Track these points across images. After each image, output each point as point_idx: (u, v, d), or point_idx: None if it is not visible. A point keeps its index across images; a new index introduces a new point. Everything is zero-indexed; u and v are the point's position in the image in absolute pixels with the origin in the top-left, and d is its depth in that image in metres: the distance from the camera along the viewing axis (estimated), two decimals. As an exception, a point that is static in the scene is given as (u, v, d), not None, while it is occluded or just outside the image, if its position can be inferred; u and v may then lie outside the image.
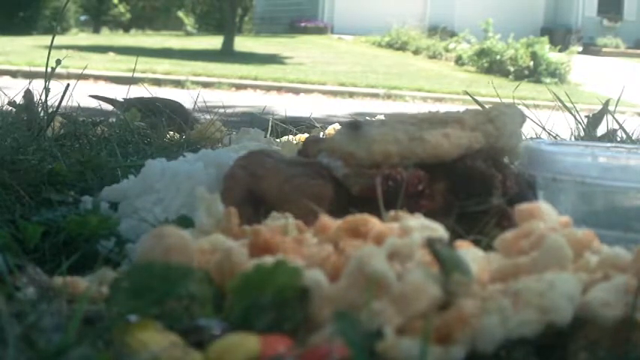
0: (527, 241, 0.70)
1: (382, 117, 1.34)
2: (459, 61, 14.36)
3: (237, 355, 0.56)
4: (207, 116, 2.00)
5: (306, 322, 0.60)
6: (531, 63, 13.23)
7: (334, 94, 9.87)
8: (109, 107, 2.07)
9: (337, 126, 1.84)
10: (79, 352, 0.54)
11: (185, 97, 2.15)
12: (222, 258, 0.66)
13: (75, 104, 1.86)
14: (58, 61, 1.66)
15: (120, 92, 2.08)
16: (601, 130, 1.69)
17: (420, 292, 0.58)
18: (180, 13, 26.02)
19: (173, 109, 1.91)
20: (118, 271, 0.71)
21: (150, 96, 2.04)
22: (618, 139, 1.67)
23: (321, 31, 17.84)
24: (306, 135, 1.76)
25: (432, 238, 0.63)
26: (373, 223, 0.70)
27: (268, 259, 0.63)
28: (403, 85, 10.60)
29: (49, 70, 1.65)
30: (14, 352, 0.55)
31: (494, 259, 0.69)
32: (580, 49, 16.45)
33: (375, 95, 10.01)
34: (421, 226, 0.68)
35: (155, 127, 1.83)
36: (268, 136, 1.80)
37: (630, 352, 0.60)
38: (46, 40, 12.75)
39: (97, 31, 24.35)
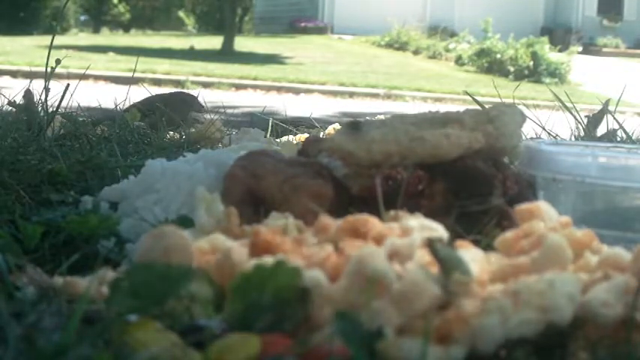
0: (527, 241, 0.70)
1: (382, 117, 1.34)
2: (458, 61, 14.36)
3: (237, 355, 0.56)
4: (208, 116, 2.00)
5: (306, 322, 0.60)
6: (531, 63, 13.23)
7: (334, 94, 9.87)
8: (109, 107, 2.07)
9: (337, 126, 1.84)
10: (79, 352, 0.54)
11: (185, 97, 2.15)
12: (222, 258, 0.66)
13: (75, 104, 1.86)
14: (58, 61, 1.66)
15: (120, 92, 2.08)
16: (601, 130, 1.69)
17: (420, 292, 0.58)
18: (181, 13, 26.03)
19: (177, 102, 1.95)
20: (118, 271, 0.71)
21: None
22: (618, 139, 1.67)
23: (321, 31, 17.84)
24: (306, 135, 1.76)
25: (432, 238, 0.63)
26: (373, 223, 0.70)
27: (268, 259, 0.63)
28: (403, 85, 10.60)
29: (49, 70, 1.65)
30: (14, 352, 0.55)
31: (494, 259, 0.69)
32: (580, 49, 16.46)
33: (375, 95, 10.01)
34: (421, 226, 0.68)
35: (155, 127, 1.84)
36: (268, 136, 1.81)
37: (630, 352, 0.60)
38: (46, 40, 12.76)
39: (97, 31, 24.36)
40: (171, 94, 2.12)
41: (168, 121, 1.85)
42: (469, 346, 0.57)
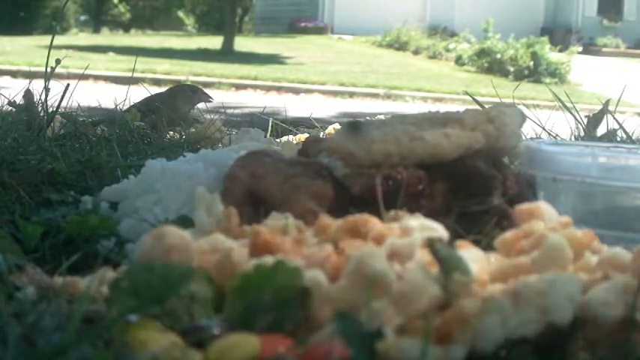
0: (527, 241, 0.70)
1: (382, 117, 1.34)
2: (459, 61, 14.36)
3: (237, 355, 0.56)
4: (208, 116, 2.00)
5: (306, 322, 0.60)
6: (531, 63, 13.23)
7: (334, 94, 9.87)
8: (109, 107, 2.07)
9: (337, 126, 1.84)
10: (79, 352, 0.54)
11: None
12: (222, 258, 0.66)
13: (75, 104, 1.86)
14: (58, 61, 1.66)
15: (120, 92, 2.08)
16: (601, 130, 1.69)
17: (420, 291, 0.58)
18: (181, 13, 26.03)
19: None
20: (118, 271, 0.71)
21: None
22: (618, 139, 1.67)
23: (321, 31, 17.84)
24: (306, 135, 1.76)
25: (432, 238, 0.63)
26: (373, 223, 0.70)
27: (268, 259, 0.63)
28: (403, 85, 10.60)
29: (49, 70, 1.65)
30: (14, 352, 0.55)
31: (495, 259, 0.69)
32: (580, 49, 16.45)
33: (375, 95, 10.01)
34: (421, 226, 0.68)
35: (155, 127, 1.84)
36: (268, 136, 1.81)
37: (630, 352, 0.60)
38: (46, 40, 12.76)
39: (97, 31, 24.36)
40: (170, 88, 2.12)
41: (169, 118, 1.85)
42: (469, 346, 0.57)
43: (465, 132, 0.88)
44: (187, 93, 1.99)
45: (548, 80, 12.48)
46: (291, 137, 1.75)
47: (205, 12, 25.41)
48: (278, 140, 1.64)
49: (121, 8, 26.66)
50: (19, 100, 1.70)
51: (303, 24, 18.21)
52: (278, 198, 0.86)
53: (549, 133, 1.75)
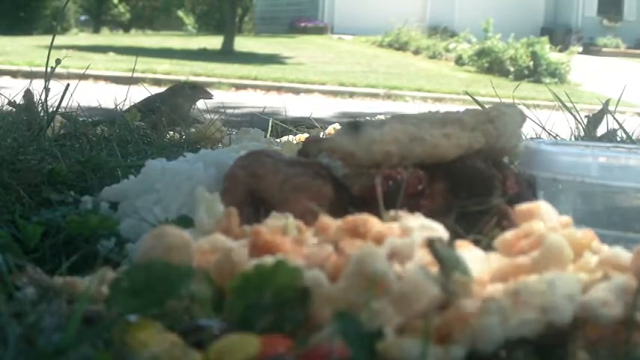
0: (527, 241, 0.70)
1: (382, 117, 1.34)
2: (459, 61, 14.36)
3: (237, 355, 0.56)
4: (208, 116, 2.00)
5: (306, 322, 0.60)
6: (531, 63, 13.23)
7: (334, 94, 9.87)
8: (109, 107, 2.07)
9: (337, 126, 1.84)
10: (79, 352, 0.54)
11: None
12: (222, 258, 0.66)
13: (75, 104, 1.86)
14: (58, 61, 1.66)
15: (120, 92, 2.08)
16: (601, 130, 1.69)
17: (420, 291, 0.58)
18: (181, 13, 26.04)
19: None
20: (118, 271, 0.71)
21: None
22: (618, 139, 1.67)
23: (321, 31, 17.85)
24: (306, 135, 1.76)
25: (432, 238, 0.63)
26: (373, 223, 0.70)
27: (268, 259, 0.63)
28: (403, 85, 10.60)
29: (49, 70, 1.65)
30: (14, 352, 0.55)
31: (494, 259, 0.69)
32: (580, 49, 16.45)
33: (375, 95, 10.01)
34: (421, 226, 0.68)
35: (155, 127, 1.84)
36: (268, 136, 1.81)
37: (630, 352, 0.60)
38: (46, 40, 12.77)
39: (97, 31, 24.36)
40: (170, 87, 2.12)
41: (169, 118, 1.85)
42: (469, 346, 0.57)
43: (465, 132, 0.88)
44: (187, 91, 1.99)
45: (548, 80, 12.47)
46: (291, 137, 1.75)
47: (205, 12, 25.42)
48: (278, 140, 1.64)
49: (121, 8, 26.68)
50: (19, 100, 1.70)
51: (303, 24, 18.21)
52: (278, 198, 0.86)
53: (549, 133, 1.75)
